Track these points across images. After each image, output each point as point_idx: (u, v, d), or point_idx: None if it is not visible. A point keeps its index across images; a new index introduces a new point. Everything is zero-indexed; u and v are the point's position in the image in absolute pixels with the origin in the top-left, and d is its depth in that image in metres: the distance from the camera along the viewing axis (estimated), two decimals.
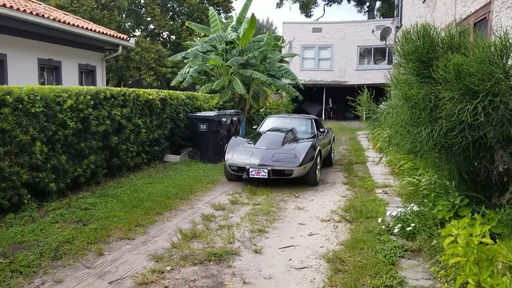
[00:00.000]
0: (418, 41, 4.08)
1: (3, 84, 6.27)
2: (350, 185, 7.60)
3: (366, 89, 5.13)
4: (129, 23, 29.92)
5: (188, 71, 14.33)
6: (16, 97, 5.30)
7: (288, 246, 4.53)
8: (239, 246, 4.48)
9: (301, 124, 9.16)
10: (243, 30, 14.04)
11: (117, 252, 4.30)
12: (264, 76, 13.91)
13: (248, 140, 8.11)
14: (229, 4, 30.69)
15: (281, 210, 5.94)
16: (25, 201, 5.38)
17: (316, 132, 8.84)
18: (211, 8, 16.60)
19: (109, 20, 25.08)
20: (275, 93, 22.79)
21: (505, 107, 3.42)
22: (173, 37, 30.56)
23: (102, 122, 6.95)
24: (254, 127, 10.15)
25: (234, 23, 15.44)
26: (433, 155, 4.57)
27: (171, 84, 15.60)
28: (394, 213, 5.02)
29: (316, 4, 39.13)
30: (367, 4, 37.03)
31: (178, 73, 15.31)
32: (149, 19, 29.69)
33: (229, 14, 29.91)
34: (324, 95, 26.71)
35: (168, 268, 3.89)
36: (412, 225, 4.54)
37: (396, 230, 4.64)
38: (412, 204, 5.08)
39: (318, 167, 7.77)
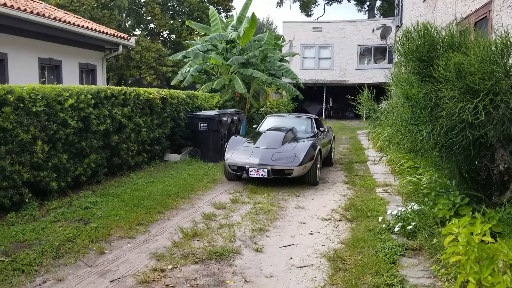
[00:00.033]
0: (419, 40, 4.08)
1: (4, 83, 6.27)
2: (350, 184, 7.61)
3: (366, 88, 5.13)
4: (129, 22, 29.93)
5: (189, 70, 14.33)
6: (17, 96, 5.31)
7: (289, 245, 4.54)
8: (240, 245, 4.49)
9: (301, 123, 9.13)
10: (244, 29, 14.04)
11: (118, 250, 4.31)
12: (264, 75, 13.91)
13: (247, 139, 8.09)
14: (229, 3, 30.68)
15: (281, 209, 5.95)
16: (26, 200, 5.39)
17: (316, 132, 8.82)
18: (211, 7, 16.60)
19: (109, 19, 25.07)
20: (276, 92, 22.78)
21: (506, 106, 3.43)
22: (173, 36, 30.56)
23: (103, 121, 6.95)
24: (254, 126, 10.13)
25: (234, 22, 15.43)
26: (434, 154, 4.57)
27: (172, 83, 15.60)
28: (394, 212, 5.03)
29: (316, 3, 39.11)
30: (368, 3, 37.02)
31: (179, 72, 15.31)
32: (149, 18, 29.69)
33: (229, 13, 29.89)
34: (324, 94, 26.70)
35: (169, 266, 3.90)
36: (413, 224, 4.55)
37: (396, 229, 4.66)
38: (413, 203, 5.09)
39: (318, 166, 7.76)
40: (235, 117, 10.79)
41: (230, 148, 7.79)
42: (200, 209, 5.88)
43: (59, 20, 10.72)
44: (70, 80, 12.12)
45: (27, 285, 3.49)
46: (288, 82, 17.23)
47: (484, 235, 3.15)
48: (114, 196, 6.23)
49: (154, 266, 3.88)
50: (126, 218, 5.23)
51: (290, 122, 9.20)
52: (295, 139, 8.09)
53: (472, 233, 3.16)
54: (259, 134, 8.37)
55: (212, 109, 11.59)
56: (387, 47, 23.46)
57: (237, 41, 14.13)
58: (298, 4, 38.36)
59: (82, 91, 6.53)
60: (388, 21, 23.88)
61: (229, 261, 4.06)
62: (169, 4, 30.79)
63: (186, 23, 16.59)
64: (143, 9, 29.39)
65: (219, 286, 3.56)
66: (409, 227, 4.54)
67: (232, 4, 30.80)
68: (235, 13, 27.04)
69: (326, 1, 38.46)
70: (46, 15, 10.30)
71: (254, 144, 7.76)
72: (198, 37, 19.05)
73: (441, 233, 3.68)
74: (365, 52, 26.49)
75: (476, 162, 4.36)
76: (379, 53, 26.31)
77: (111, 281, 3.62)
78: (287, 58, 19.38)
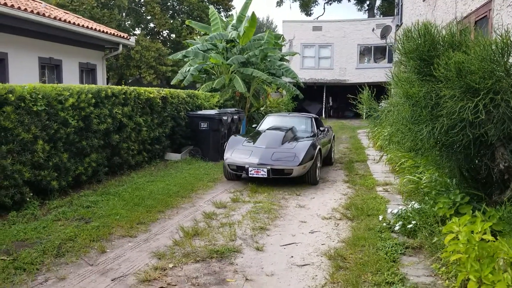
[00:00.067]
0: (419, 39, 4.09)
1: (4, 83, 6.26)
2: (350, 183, 7.62)
3: (367, 87, 5.14)
4: (129, 22, 29.91)
5: (189, 69, 14.34)
6: (18, 96, 5.32)
7: (290, 244, 4.55)
8: (241, 244, 4.50)
9: (301, 122, 9.09)
10: (244, 29, 14.04)
11: (119, 249, 4.32)
12: (264, 74, 13.91)
13: (247, 139, 8.06)
14: (229, 3, 30.66)
15: (282, 208, 5.96)
16: (27, 199, 5.40)
17: (316, 131, 8.79)
18: (211, 6, 16.61)
19: (109, 19, 25.06)
20: (276, 92, 22.79)
21: (506, 105, 3.44)
22: (173, 35, 30.55)
23: (104, 120, 6.96)
24: (253, 125, 10.10)
25: (234, 21, 15.44)
26: (434, 153, 4.58)
27: (172, 83, 15.60)
28: (395, 211, 5.04)
29: (316, 3, 39.09)
30: (367, 2, 37.01)
31: (179, 71, 15.31)
32: (149, 17, 29.67)
33: (229, 13, 29.88)
34: (324, 94, 26.71)
35: (171, 265, 3.91)
36: (413, 222, 4.56)
37: (397, 228, 4.67)
38: (413, 202, 5.10)
39: (318, 166, 7.75)
40: (235, 116, 10.80)
41: (229, 148, 7.77)
42: (201, 208, 5.89)
43: (60, 19, 10.73)
44: (70, 79, 12.13)
45: (28, 283, 3.50)
46: (288, 81, 17.23)
47: (485, 233, 3.16)
48: (115, 195, 6.24)
49: (155, 265, 3.89)
50: (127, 217, 5.24)
51: (290, 121, 9.17)
52: (295, 138, 8.07)
53: (472, 232, 3.17)
54: (258, 133, 8.34)
55: (212, 109, 11.60)
56: (387, 47, 23.46)
57: (237, 40, 14.14)
58: (298, 3, 38.36)
59: (83, 90, 6.53)
60: (388, 21, 23.87)
61: (230, 260, 4.07)
62: (169, 4, 30.78)
63: (186, 22, 16.58)
64: (143, 8, 29.38)
65: (220, 284, 3.57)
66: (409, 226, 4.55)
67: (232, 3, 30.78)
68: (235, 12, 27.11)
69: (326, 1, 38.46)
70: (47, 14, 10.31)
71: (253, 144, 7.74)
72: (198, 37, 19.03)
73: (442, 231, 3.70)
74: (365, 52, 26.49)
75: (477, 161, 4.37)
76: (379, 52, 26.32)
77: (112, 280, 3.63)
78: (287, 58, 19.38)
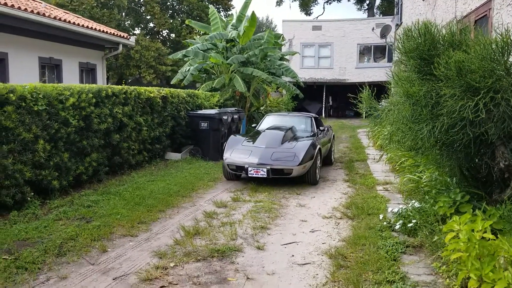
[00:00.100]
0: (420, 38, 4.10)
1: (4, 82, 6.27)
2: (351, 183, 7.63)
3: (367, 87, 5.15)
4: (129, 22, 29.92)
5: (189, 69, 14.35)
6: (19, 95, 5.33)
7: (290, 243, 4.56)
8: (242, 243, 4.51)
9: (300, 122, 9.06)
10: (244, 28, 14.05)
11: (120, 248, 4.33)
12: (264, 74, 13.92)
13: (247, 138, 8.03)
14: (229, 2, 30.67)
15: (282, 207, 5.97)
16: (28, 198, 5.41)
17: (316, 131, 8.76)
18: (211, 6, 16.62)
19: (109, 19, 25.07)
20: (275, 91, 22.79)
21: (506, 103, 3.45)
22: (173, 35, 30.55)
23: (104, 120, 6.97)
24: (253, 125, 10.08)
25: (234, 21, 15.45)
26: (434, 152, 4.59)
27: (172, 82, 15.60)
28: (395, 210, 5.05)
29: (316, 2, 39.12)
30: (367, 2, 37.03)
31: (179, 71, 15.32)
32: (148, 17, 29.68)
33: (229, 12, 29.91)
34: (324, 93, 26.72)
35: (172, 264, 3.92)
36: (414, 221, 4.57)
37: (397, 227, 4.68)
38: (413, 201, 5.11)
39: (318, 166, 7.74)
40: (236, 116, 10.80)
41: (229, 148, 7.73)
42: (202, 208, 5.90)
43: (60, 19, 10.73)
44: (70, 79, 12.14)
45: (30, 283, 3.51)
46: (288, 81, 17.24)
47: (485, 232, 3.17)
48: (116, 194, 6.25)
49: (156, 264, 3.90)
50: (127, 217, 5.25)
51: (290, 121, 9.13)
52: (295, 138, 8.03)
53: (473, 230, 3.19)
54: (258, 133, 8.30)
55: (212, 108, 11.60)
56: (387, 46, 23.46)
57: (237, 40, 14.14)
58: (297, 3, 38.42)
59: (83, 90, 6.54)
60: (387, 20, 23.87)
61: (231, 259, 4.08)
62: (168, 3, 30.78)
63: (186, 22, 16.59)
64: (143, 8, 29.38)
65: (222, 283, 3.58)
66: (410, 225, 4.56)
67: (232, 3, 30.81)
68: (234, 12, 27.01)
69: (326, 0, 38.47)
70: (47, 14, 10.31)
71: (253, 144, 7.71)
72: (198, 36, 19.04)
73: (442, 230, 3.71)
74: (364, 51, 26.50)
75: (477, 160, 4.38)
76: (378, 51, 26.32)
77: (114, 279, 3.64)
78: (287, 57, 19.39)
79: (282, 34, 18.65)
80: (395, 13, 19.69)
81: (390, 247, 4.15)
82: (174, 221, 5.27)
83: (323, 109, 26.96)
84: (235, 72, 13.98)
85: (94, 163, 6.77)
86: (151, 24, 30.46)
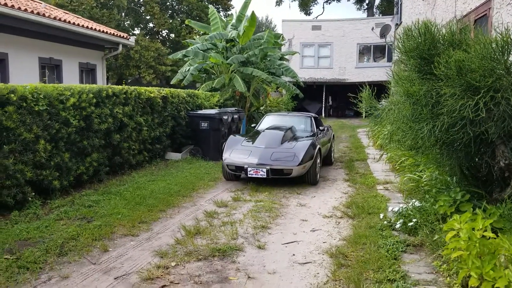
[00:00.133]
0: (420, 38, 4.11)
1: (5, 83, 6.27)
2: (351, 182, 7.64)
3: (367, 86, 5.16)
4: (129, 22, 29.91)
5: (189, 69, 14.35)
6: (20, 96, 5.34)
7: (291, 242, 4.57)
8: (243, 242, 4.52)
9: (300, 122, 9.03)
10: (243, 28, 14.06)
11: (121, 248, 4.34)
12: (264, 73, 13.92)
13: (246, 138, 8.00)
14: (228, 2, 30.68)
15: (283, 207, 5.98)
16: (29, 198, 5.42)
17: (315, 130, 8.74)
18: (210, 6, 16.62)
19: (109, 19, 25.08)
20: (275, 91, 22.80)
21: (507, 102, 3.46)
22: (173, 35, 30.56)
23: (104, 120, 6.98)
24: (253, 125, 10.07)
25: (234, 21, 15.46)
26: (435, 151, 4.60)
27: (171, 82, 15.61)
28: (395, 209, 5.06)
29: (316, 2, 39.12)
30: (367, 1, 37.04)
31: (178, 71, 15.32)
32: (148, 17, 29.67)
33: (229, 12, 29.92)
34: (324, 93, 26.73)
35: (173, 263, 3.93)
36: (414, 220, 4.58)
37: (398, 225, 4.69)
38: (414, 200, 5.12)
39: (318, 166, 7.73)
40: (236, 116, 10.81)
41: (228, 148, 7.70)
42: (202, 207, 5.91)
43: (59, 19, 10.74)
44: (70, 79, 12.15)
45: (32, 282, 3.52)
46: (288, 80, 17.24)
47: (485, 230, 3.18)
48: (116, 194, 6.26)
49: (157, 263, 3.90)
50: (128, 216, 5.26)
51: (289, 121, 9.10)
52: (295, 138, 8.01)
53: (473, 229, 3.19)
54: (257, 133, 8.27)
55: (212, 108, 11.61)
56: (387, 46, 23.47)
57: (237, 40, 14.15)
58: (297, 2, 38.43)
59: (84, 90, 6.55)
60: (387, 20, 23.88)
61: (232, 258, 4.09)
62: (168, 3, 30.79)
63: (186, 22, 16.59)
64: (142, 8, 29.39)
65: (223, 282, 3.59)
66: (410, 224, 4.57)
67: (231, 3, 30.81)
68: (234, 12, 26.99)
69: (325, 0, 38.47)
70: (47, 14, 10.31)
71: (252, 144, 7.68)
72: (198, 36, 19.05)
73: (443, 229, 3.72)
74: (364, 51, 26.52)
75: (477, 159, 4.39)
76: (378, 51, 26.33)
77: (115, 278, 3.65)
78: (286, 57, 19.39)
79: (281, 34, 18.66)
80: (394, 12, 19.71)
81: (391, 246, 4.16)
82: (175, 221, 5.28)
83: (323, 109, 26.97)
84: (235, 72, 13.99)
85: (94, 163, 6.78)
86: (151, 24, 30.47)
